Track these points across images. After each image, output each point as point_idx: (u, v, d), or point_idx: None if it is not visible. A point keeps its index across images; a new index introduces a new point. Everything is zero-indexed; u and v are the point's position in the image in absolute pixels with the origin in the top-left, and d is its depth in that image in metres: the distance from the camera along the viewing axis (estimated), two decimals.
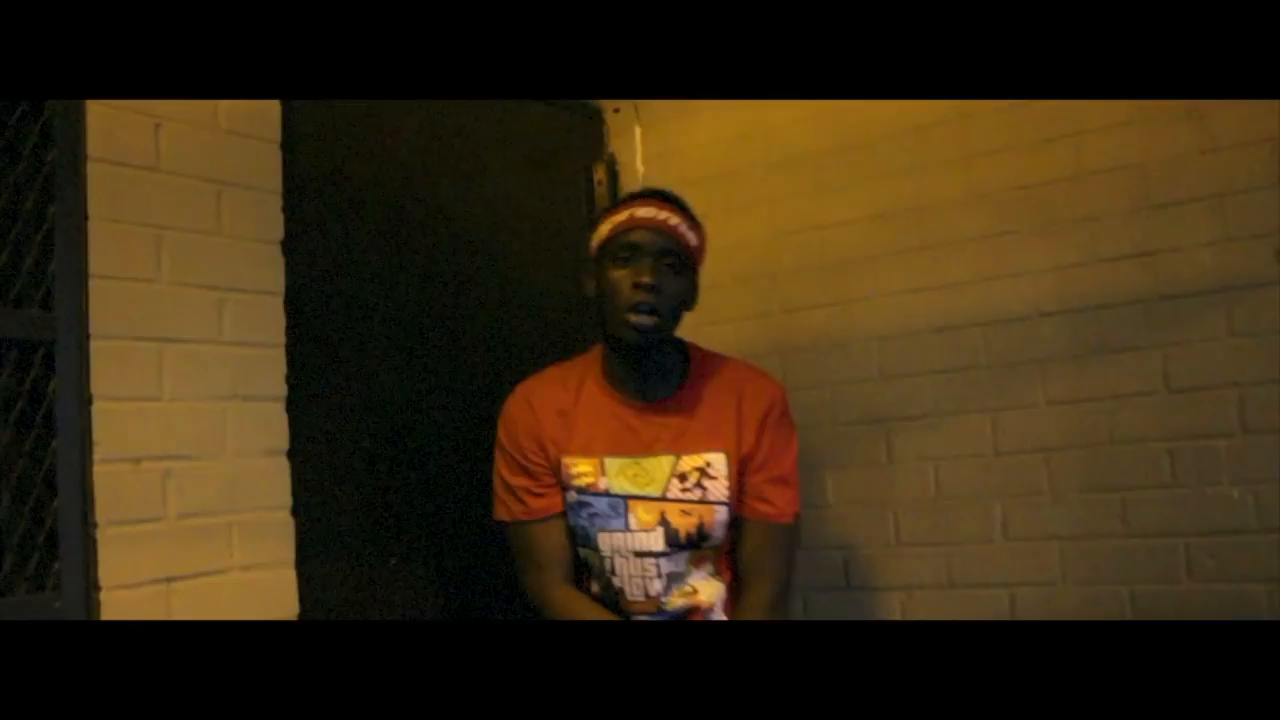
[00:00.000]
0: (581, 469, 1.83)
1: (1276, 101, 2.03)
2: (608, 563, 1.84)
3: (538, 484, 1.85)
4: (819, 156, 2.57)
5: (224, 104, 1.87)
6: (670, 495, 1.82)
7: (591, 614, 1.83)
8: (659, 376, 1.84)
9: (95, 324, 1.65)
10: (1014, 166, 2.32)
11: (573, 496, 1.83)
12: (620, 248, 1.78)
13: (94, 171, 1.67)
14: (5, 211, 1.60)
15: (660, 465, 1.82)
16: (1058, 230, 2.27)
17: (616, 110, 2.87)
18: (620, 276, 1.77)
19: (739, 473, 1.84)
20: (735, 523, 1.86)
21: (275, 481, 1.89)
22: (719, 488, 1.83)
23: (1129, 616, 2.17)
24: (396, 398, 2.22)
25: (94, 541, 1.61)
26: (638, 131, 2.84)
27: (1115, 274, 2.20)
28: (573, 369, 1.91)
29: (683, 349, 1.90)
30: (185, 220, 1.79)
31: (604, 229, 1.84)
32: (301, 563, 1.90)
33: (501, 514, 1.89)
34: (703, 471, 1.83)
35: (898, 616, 2.42)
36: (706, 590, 1.86)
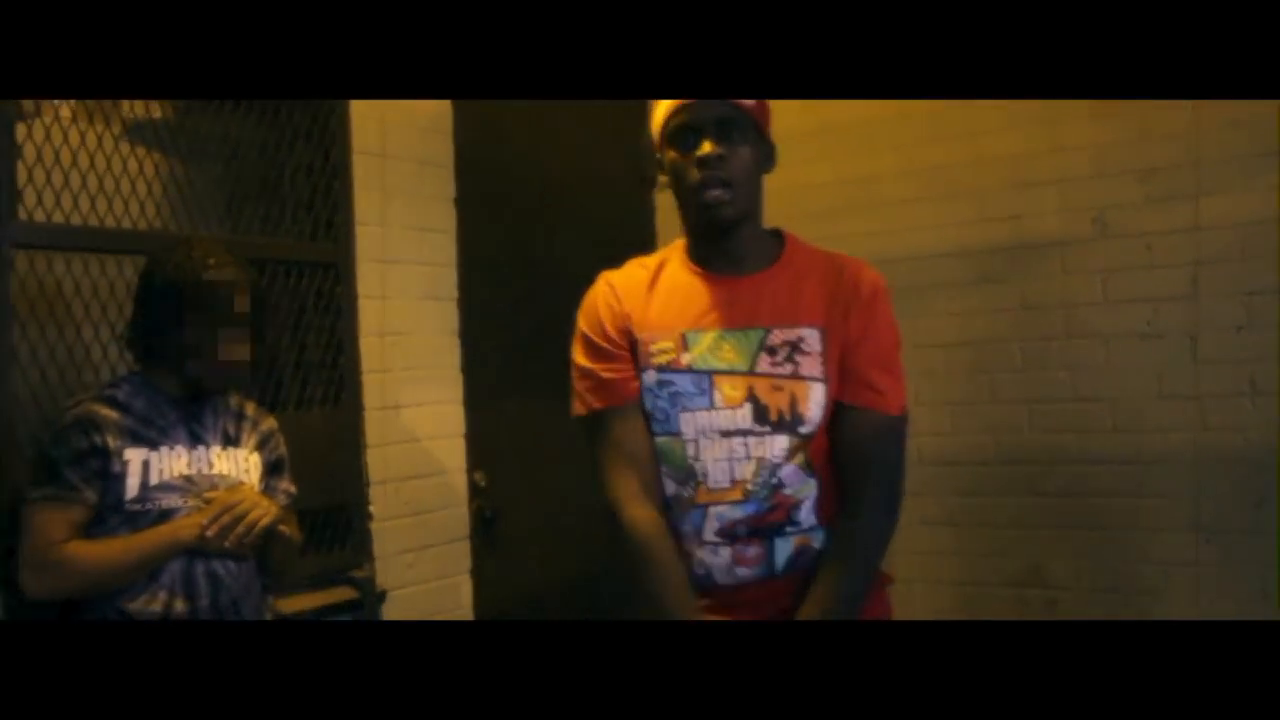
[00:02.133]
0: (662, 345, 1.72)
1: (1099, 115, 3.10)
2: (690, 447, 1.70)
3: (617, 366, 1.74)
4: (793, 139, 3.62)
5: (422, 110, 2.93)
6: (759, 370, 1.69)
7: (662, 561, 1.70)
8: (748, 252, 1.75)
9: (358, 251, 2.75)
10: (932, 153, 3.40)
11: (651, 377, 1.71)
12: (676, 131, 1.70)
13: (356, 159, 2.75)
14: (307, 185, 2.69)
15: (748, 339, 1.70)
16: (958, 198, 3.36)
17: None
18: (683, 159, 1.69)
19: (838, 354, 1.71)
20: (836, 418, 1.72)
21: (450, 351, 3.01)
22: (813, 363, 1.70)
23: (990, 455, 3.31)
24: (524, 297, 3.32)
25: (359, 378, 2.73)
26: None
27: (993, 229, 3.30)
28: (655, 255, 1.85)
29: (778, 233, 1.82)
30: (402, 186, 2.88)
31: (657, 117, 1.75)
32: (467, 400, 3.03)
33: (578, 409, 1.79)
34: (794, 346, 1.70)
35: None
36: (794, 485, 1.71)
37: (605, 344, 1.76)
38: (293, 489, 2.23)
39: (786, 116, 3.55)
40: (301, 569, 2.45)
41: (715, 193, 1.67)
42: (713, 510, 1.72)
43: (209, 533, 1.95)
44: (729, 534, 1.72)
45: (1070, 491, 3.20)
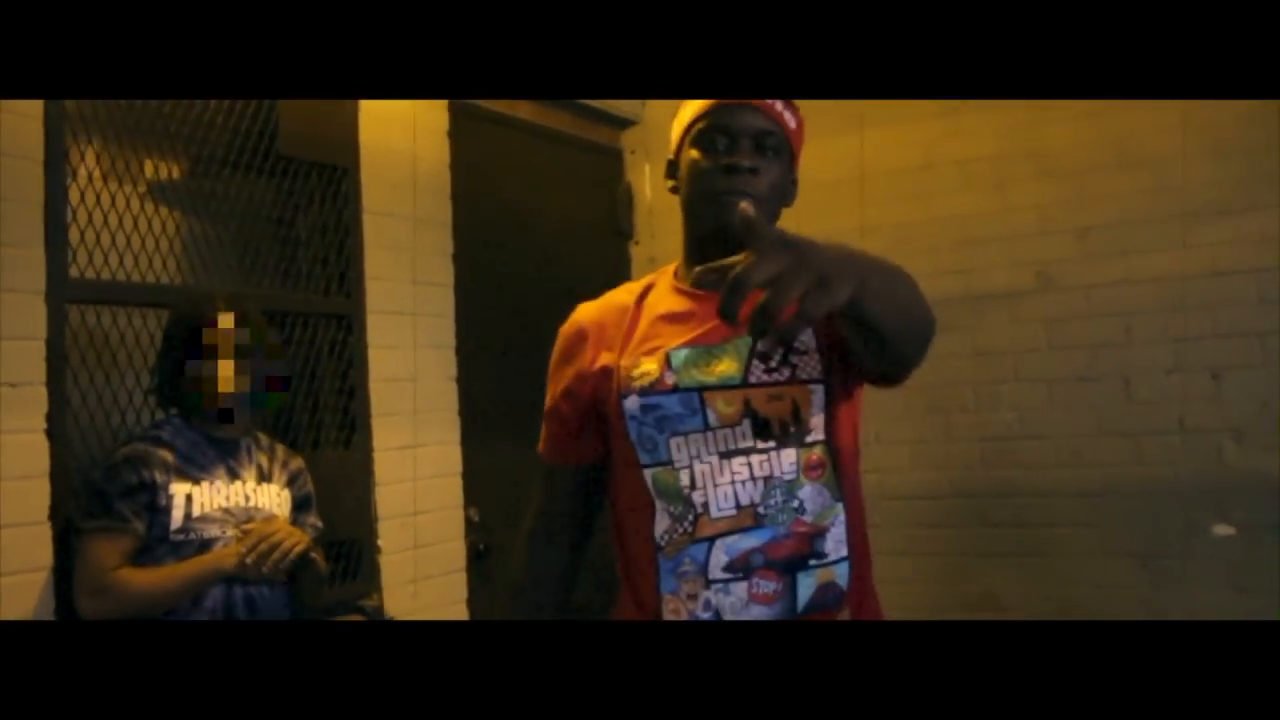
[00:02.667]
0: (644, 368, 1.52)
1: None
2: (684, 475, 1.49)
3: (565, 424, 1.63)
4: None
5: (423, 173, 3.17)
6: (753, 379, 1.49)
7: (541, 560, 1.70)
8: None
9: (369, 304, 2.97)
10: (890, 212, 3.69)
11: (634, 404, 1.50)
12: (707, 132, 1.51)
13: (366, 219, 2.98)
14: (322, 243, 2.91)
15: (737, 348, 1.50)
16: (913, 253, 3.65)
17: (633, 152, 4.19)
18: (706, 163, 1.50)
19: (839, 348, 1.48)
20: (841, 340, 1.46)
21: (449, 395, 3.23)
22: (811, 362, 1.50)
23: (946, 489, 3.58)
24: (511, 344, 3.56)
25: (369, 421, 2.95)
26: (647, 168, 4.17)
27: (946, 282, 3.59)
28: (643, 280, 1.68)
29: None
30: (404, 243, 3.10)
31: (687, 112, 1.55)
32: (463, 441, 3.26)
33: (539, 449, 1.70)
34: (789, 347, 1.49)
35: None
36: (815, 508, 1.48)
37: (563, 392, 1.64)
38: (319, 524, 2.44)
39: None
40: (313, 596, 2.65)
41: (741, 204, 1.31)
42: (719, 543, 1.47)
43: (248, 560, 2.16)
44: (742, 567, 1.47)
45: (1019, 522, 3.48)
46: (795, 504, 1.48)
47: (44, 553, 2.20)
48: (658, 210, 4.07)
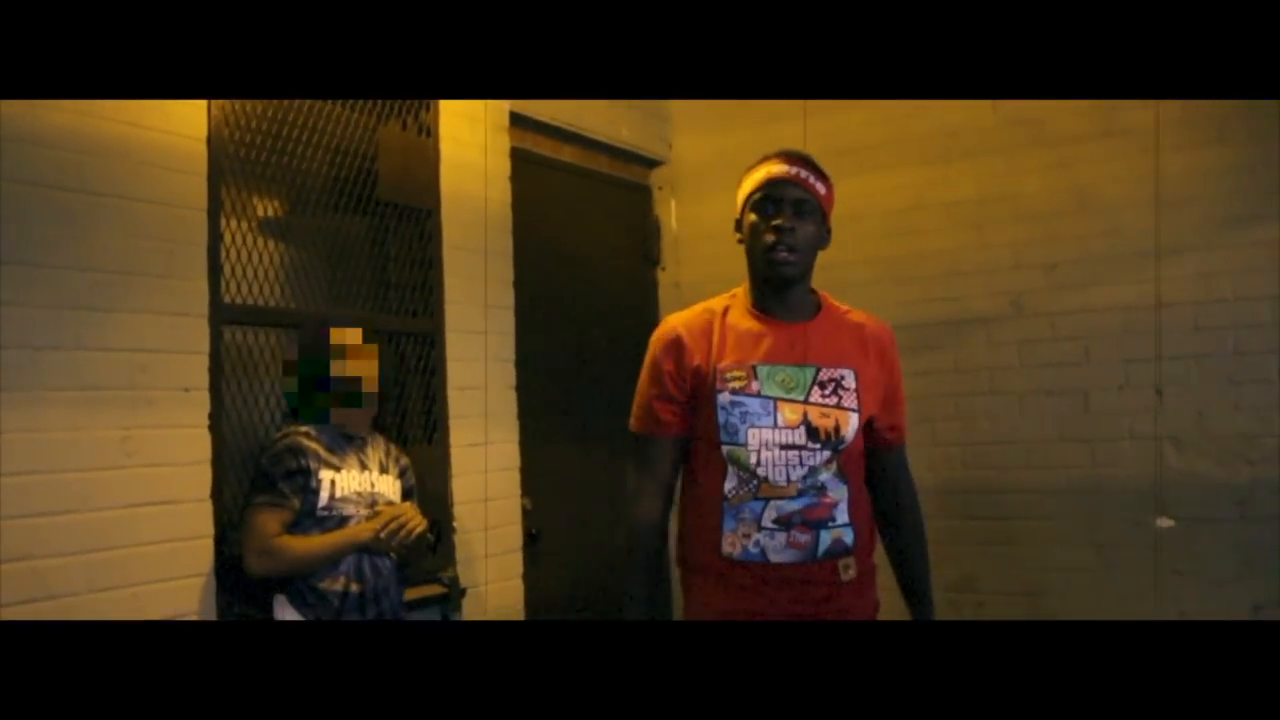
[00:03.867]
0: (735, 374, 2.13)
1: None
2: (753, 455, 2.12)
3: (669, 406, 2.20)
4: None
5: (491, 212, 3.71)
6: (813, 399, 2.13)
7: (648, 552, 2.22)
8: (799, 305, 2.21)
9: (448, 324, 3.52)
10: (885, 246, 4.24)
11: (725, 398, 2.12)
12: (759, 201, 2.16)
13: (445, 253, 3.54)
14: (409, 273, 3.47)
15: (804, 374, 2.14)
16: (905, 283, 4.21)
17: (660, 188, 4.74)
18: (760, 224, 2.15)
19: (867, 391, 2.18)
20: (874, 452, 2.26)
21: (510, 402, 3.77)
22: (851, 398, 2.16)
23: (930, 486, 4.13)
24: (561, 358, 4.10)
25: (447, 419, 3.49)
26: (673, 202, 4.72)
27: (933, 308, 4.15)
28: (719, 300, 2.27)
29: (814, 291, 2.28)
30: (476, 272, 3.66)
31: (746, 185, 2.21)
32: (521, 440, 3.81)
33: (633, 425, 2.27)
34: (838, 383, 2.15)
35: None
36: (833, 489, 2.17)
37: (666, 381, 2.21)
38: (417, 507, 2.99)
39: None
40: (416, 567, 3.21)
41: (783, 254, 2.13)
42: (773, 503, 2.14)
43: (382, 535, 2.72)
44: (785, 523, 2.15)
45: (993, 515, 4.04)
46: (820, 485, 2.18)
47: (207, 523, 2.75)
48: (682, 240, 4.63)
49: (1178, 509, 3.72)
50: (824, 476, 2.16)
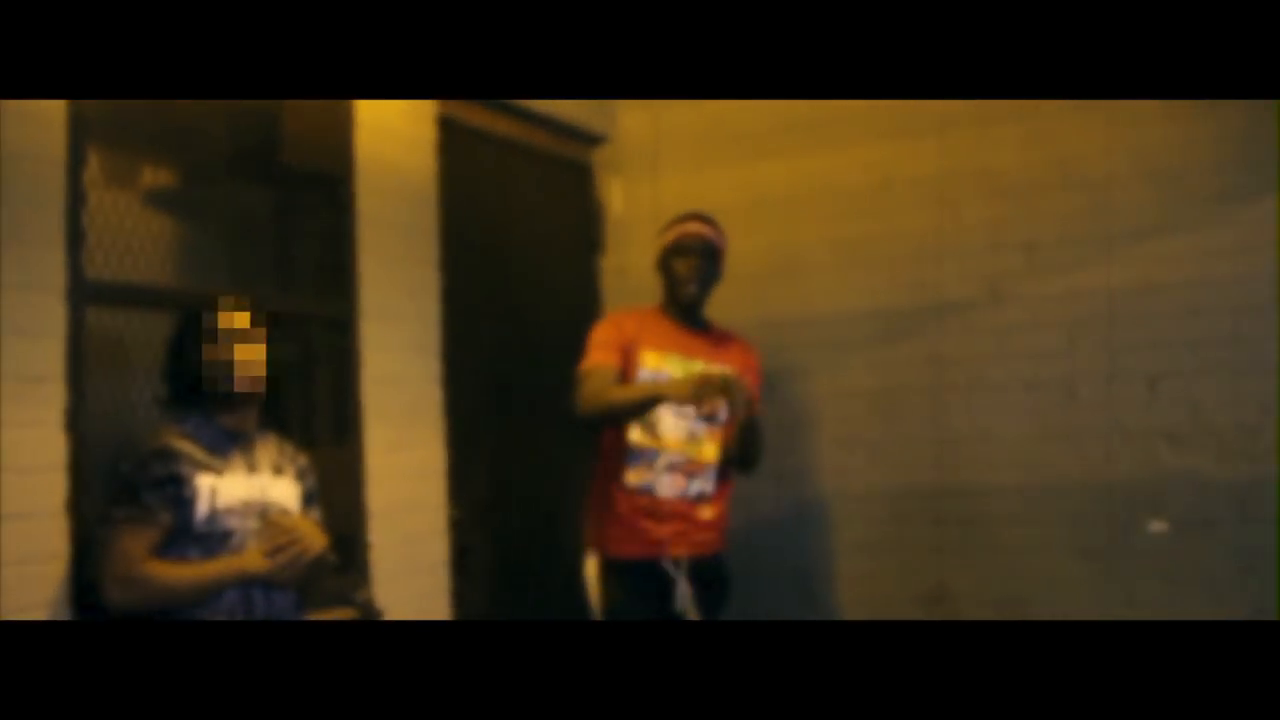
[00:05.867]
0: (654, 359, 3.00)
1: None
2: (657, 413, 2.96)
3: (615, 356, 2.97)
4: (731, 212, 4.10)
5: (413, 184, 3.31)
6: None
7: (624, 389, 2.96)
8: (698, 319, 3.11)
9: (362, 308, 3.11)
10: (851, 227, 3.90)
11: (646, 374, 2.97)
12: (678, 250, 3.06)
13: (360, 227, 3.12)
14: (319, 249, 3.05)
15: (699, 366, 2.95)
16: (873, 266, 3.87)
17: (603, 168, 4.35)
18: (680, 267, 3.05)
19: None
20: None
21: (434, 398, 3.37)
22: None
23: (901, 489, 3.79)
24: (492, 348, 3.70)
25: (361, 416, 3.08)
26: (617, 183, 4.34)
27: (904, 294, 3.80)
28: (638, 308, 3.20)
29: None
30: (397, 252, 3.25)
31: (669, 236, 3.10)
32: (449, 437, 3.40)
33: (584, 364, 2.97)
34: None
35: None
36: (708, 448, 3.04)
37: (612, 343, 3.01)
38: (320, 518, 2.57)
39: (723, 192, 4.05)
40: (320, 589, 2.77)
41: (691, 289, 3.08)
42: (665, 453, 3.01)
43: (276, 562, 2.29)
44: (674, 468, 3.02)
45: (969, 520, 3.70)
46: (700, 441, 3.04)
47: (61, 543, 2.31)
48: (625, 224, 4.25)
49: (1172, 511, 3.43)
50: (702, 435, 3.04)
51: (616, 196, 4.34)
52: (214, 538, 2.29)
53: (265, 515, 2.37)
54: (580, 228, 4.28)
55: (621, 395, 2.93)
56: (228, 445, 2.39)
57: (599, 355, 2.99)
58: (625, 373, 2.98)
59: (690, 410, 2.90)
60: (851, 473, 3.82)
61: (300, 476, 2.53)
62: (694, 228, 3.09)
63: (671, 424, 3.00)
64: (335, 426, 3.05)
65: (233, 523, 2.32)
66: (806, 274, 3.96)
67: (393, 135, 3.25)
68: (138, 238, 2.59)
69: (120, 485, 2.28)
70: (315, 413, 3.01)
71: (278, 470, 2.47)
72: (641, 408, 2.93)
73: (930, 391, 3.78)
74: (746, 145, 4.08)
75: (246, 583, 2.29)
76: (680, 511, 3.00)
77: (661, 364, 3.00)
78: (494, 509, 3.61)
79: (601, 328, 3.10)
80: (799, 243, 3.98)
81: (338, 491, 2.97)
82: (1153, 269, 3.47)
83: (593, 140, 4.31)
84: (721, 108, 3.98)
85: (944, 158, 3.77)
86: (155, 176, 2.68)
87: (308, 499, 2.54)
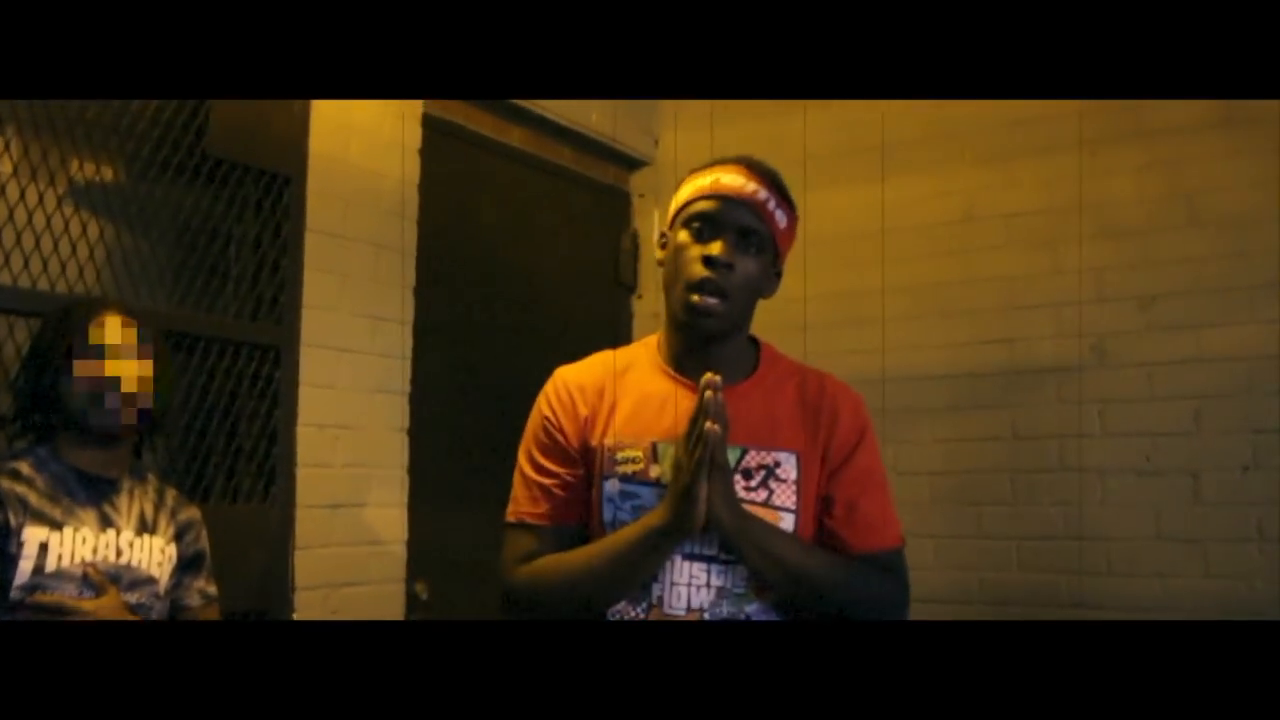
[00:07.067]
0: (629, 454, 1.57)
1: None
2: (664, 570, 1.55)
3: (561, 481, 1.61)
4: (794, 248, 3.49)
5: (385, 191, 2.78)
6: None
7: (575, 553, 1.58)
8: (727, 363, 1.57)
9: (305, 336, 2.56)
10: (923, 269, 3.25)
11: (614, 487, 1.57)
12: (696, 216, 1.58)
13: (309, 238, 2.58)
14: (253, 259, 2.52)
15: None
16: (949, 318, 3.20)
17: (642, 196, 3.79)
18: (690, 247, 1.57)
19: (814, 484, 1.58)
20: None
21: (398, 449, 2.79)
22: (787, 492, 1.56)
23: (975, 593, 3.08)
24: (480, 397, 3.12)
25: (293, 467, 2.51)
26: (656, 214, 3.77)
27: (986, 352, 3.13)
28: (623, 352, 1.70)
29: (754, 341, 1.68)
30: (358, 270, 2.70)
31: (684, 191, 1.63)
32: (411, 504, 2.81)
33: (510, 514, 1.67)
34: (770, 471, 1.57)
35: None
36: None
37: (547, 459, 1.64)
38: (211, 589, 2.02)
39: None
40: None
41: (710, 301, 1.56)
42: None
43: None
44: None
45: None
46: (741, 619, 1.55)
47: None
48: None
49: None
50: (745, 607, 1.56)
51: (655, 229, 3.75)
52: (41, 610, 1.73)
53: (120, 582, 1.82)
54: (610, 262, 3.70)
55: (568, 578, 1.59)
56: (78, 490, 1.84)
57: (523, 499, 1.65)
58: (589, 492, 1.61)
59: (709, 541, 1.55)
60: (912, 570, 3.10)
61: (178, 536, 1.97)
62: (732, 179, 1.60)
63: (675, 578, 1.57)
64: (259, 477, 2.48)
65: (66, 589, 1.76)
66: (870, 326, 3.30)
67: (362, 132, 2.72)
68: (17, 231, 2.10)
69: None
70: (236, 458, 2.45)
71: (147, 525, 1.91)
72: (619, 586, 1.56)
73: (1015, 475, 3.09)
74: (805, 171, 3.45)
75: None
76: None
77: (642, 463, 1.58)
78: (468, 586, 2.99)
79: (532, 422, 1.68)
80: (862, 288, 3.33)
81: (255, 557, 2.40)
82: None
83: (631, 163, 3.76)
84: (777, 128, 3.38)
85: (1041, 188, 3.13)
86: (34, 154, 2.17)
87: (188, 564, 1.98)
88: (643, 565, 1.53)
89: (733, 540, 1.51)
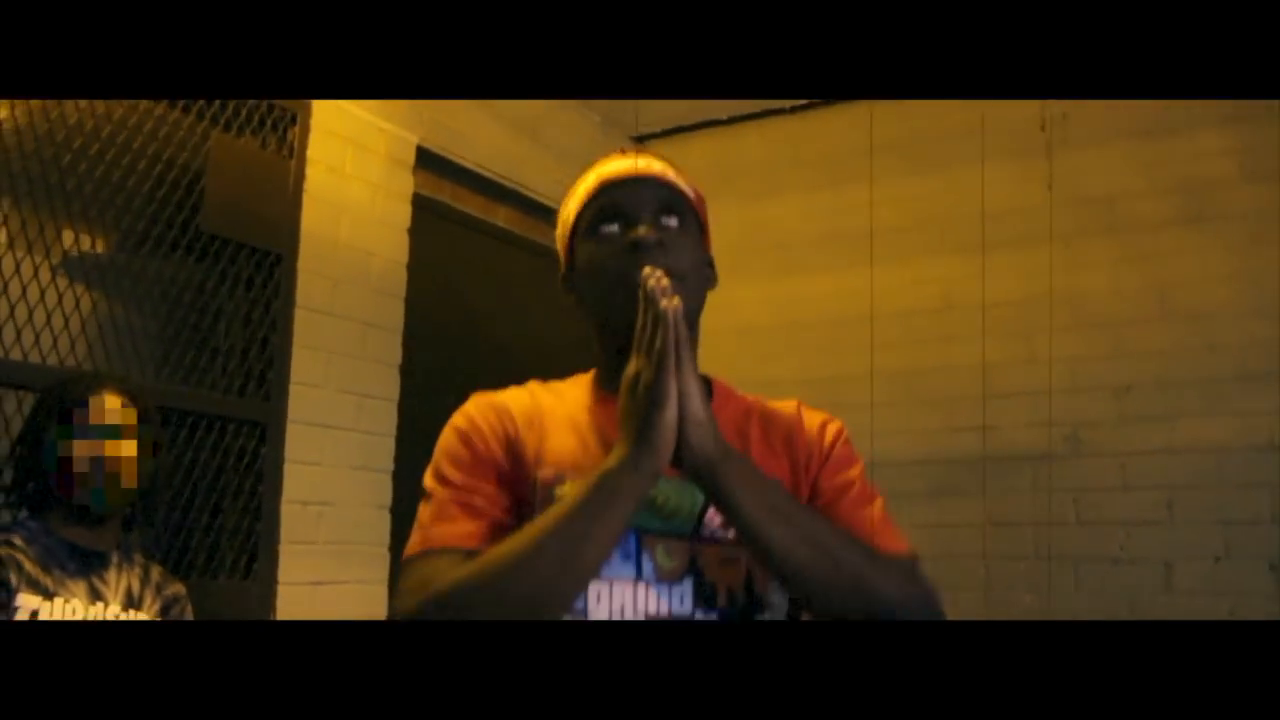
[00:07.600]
0: (568, 488, 1.16)
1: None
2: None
3: (485, 499, 1.18)
4: (759, 334, 3.53)
5: (375, 270, 2.80)
6: (705, 533, 1.19)
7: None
8: None
9: (291, 412, 2.56)
10: (900, 357, 3.30)
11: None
12: (597, 220, 1.21)
13: (298, 315, 2.60)
14: (242, 335, 2.53)
15: (691, 491, 1.15)
16: (925, 405, 3.25)
17: None
18: (603, 249, 1.19)
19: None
20: None
21: (380, 527, 2.78)
22: None
23: None
24: None
25: (276, 543, 2.50)
26: None
27: (960, 440, 3.17)
28: (551, 383, 1.31)
29: (703, 376, 1.22)
30: (345, 348, 2.72)
31: (570, 207, 1.26)
32: (392, 583, 2.79)
33: (411, 547, 1.17)
34: None
35: None
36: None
37: (475, 471, 1.20)
38: None
39: (756, 311, 3.48)
40: None
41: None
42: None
43: None
44: None
45: None
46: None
47: None
48: None
49: None
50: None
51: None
52: None
53: None
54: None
55: (502, 567, 1.08)
56: (69, 563, 1.83)
57: (435, 525, 1.18)
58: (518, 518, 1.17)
59: (682, 597, 1.18)
60: None
61: (164, 611, 1.96)
62: (623, 165, 1.24)
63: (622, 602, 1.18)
64: (242, 552, 2.46)
65: None
66: (846, 410, 3.27)
67: (353, 211, 2.75)
68: (11, 303, 2.11)
69: None
70: (220, 534, 2.44)
71: (133, 600, 1.90)
72: (573, 565, 1.08)
73: (990, 562, 3.10)
74: (784, 257, 3.53)
75: None
76: None
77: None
78: None
79: (444, 442, 1.26)
80: (840, 373, 3.37)
81: None
82: (1273, 423, 2.81)
83: None
84: (758, 213, 3.47)
85: (1018, 278, 3.18)
86: (31, 229, 2.19)
87: None
88: (600, 528, 1.07)
89: (714, 473, 1.07)
